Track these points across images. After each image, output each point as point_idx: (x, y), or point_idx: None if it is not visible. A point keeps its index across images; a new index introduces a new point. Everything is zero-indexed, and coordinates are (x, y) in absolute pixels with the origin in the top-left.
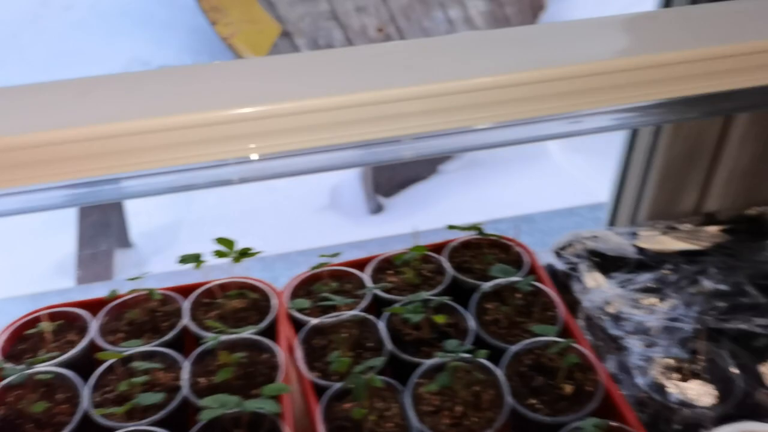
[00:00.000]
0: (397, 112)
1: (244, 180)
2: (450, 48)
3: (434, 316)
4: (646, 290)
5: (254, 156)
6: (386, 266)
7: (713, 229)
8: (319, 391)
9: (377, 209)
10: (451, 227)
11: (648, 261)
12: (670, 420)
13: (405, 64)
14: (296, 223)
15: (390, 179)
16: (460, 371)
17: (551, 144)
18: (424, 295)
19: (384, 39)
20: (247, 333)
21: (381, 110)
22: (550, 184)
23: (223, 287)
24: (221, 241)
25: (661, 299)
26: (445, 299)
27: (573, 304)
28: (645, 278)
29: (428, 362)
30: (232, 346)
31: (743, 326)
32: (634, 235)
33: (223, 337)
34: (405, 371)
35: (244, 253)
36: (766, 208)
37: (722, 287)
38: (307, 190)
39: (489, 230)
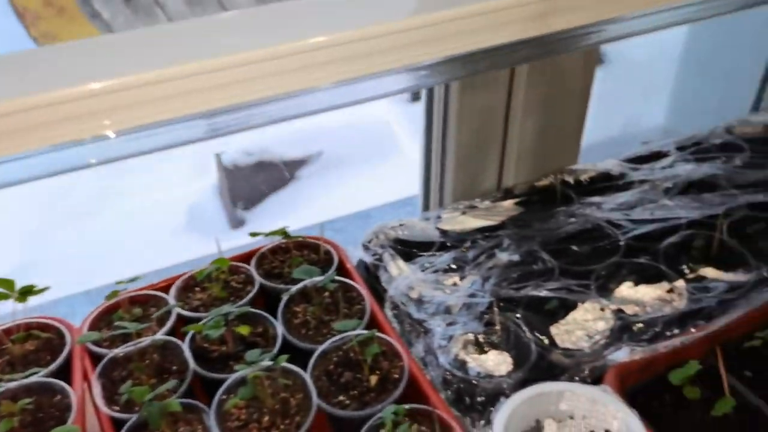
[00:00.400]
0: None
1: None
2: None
3: (237, 328)
4: (447, 270)
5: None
6: (193, 284)
7: (508, 203)
8: (119, 425)
9: (239, 223)
10: (253, 234)
11: (449, 242)
12: (473, 394)
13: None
14: (154, 248)
15: (248, 191)
16: (265, 380)
17: (403, 139)
18: (225, 308)
19: None
20: (37, 376)
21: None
22: (399, 178)
23: (7, 332)
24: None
25: (462, 277)
26: (247, 309)
27: (382, 295)
28: (445, 259)
29: (232, 377)
30: (15, 394)
31: (534, 292)
32: (438, 218)
33: (5, 386)
34: (213, 390)
35: (27, 292)
36: (555, 177)
37: (515, 257)
38: (161, 212)
39: (328, 230)
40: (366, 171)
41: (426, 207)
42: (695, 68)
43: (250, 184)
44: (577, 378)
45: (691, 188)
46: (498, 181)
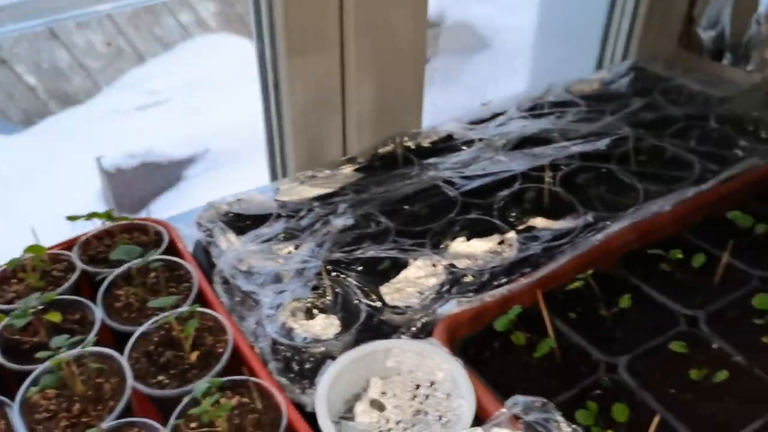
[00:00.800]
0: None
1: None
2: None
3: (46, 316)
4: (280, 240)
5: None
6: (8, 276)
7: (348, 170)
8: None
9: None
10: (71, 218)
11: (285, 212)
12: (302, 360)
13: None
14: None
15: (134, 194)
16: (75, 367)
17: None
18: (34, 296)
19: (115, 53)
20: None
21: None
22: None
23: None
24: None
25: (296, 246)
26: (62, 296)
27: (212, 270)
28: (278, 229)
29: (40, 367)
30: None
31: (367, 254)
32: (277, 190)
33: None
34: (22, 382)
35: None
36: (396, 142)
37: (350, 222)
38: (43, 224)
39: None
40: (255, 164)
41: (274, 177)
42: (550, 36)
43: (136, 186)
44: (408, 334)
45: (525, 143)
46: (343, 150)
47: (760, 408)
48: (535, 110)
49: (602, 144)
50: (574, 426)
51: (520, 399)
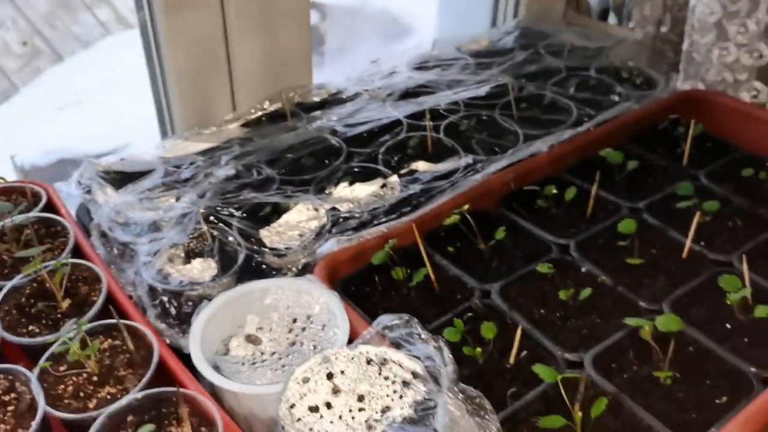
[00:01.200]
0: None
1: None
2: None
3: None
4: (161, 192)
5: None
6: None
7: (234, 126)
8: None
9: None
10: None
11: (168, 167)
12: (180, 304)
13: None
14: None
15: None
16: None
17: None
18: None
19: (32, 52)
20: None
21: None
22: None
23: None
24: None
25: (177, 198)
26: None
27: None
28: (159, 182)
29: None
30: None
31: (248, 200)
32: (162, 148)
33: None
34: None
35: None
36: (284, 98)
37: (232, 172)
38: None
39: None
40: None
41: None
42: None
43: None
44: (289, 275)
45: (410, 95)
46: (233, 107)
47: (620, 321)
48: (423, 66)
49: (483, 91)
50: (434, 336)
51: (385, 318)
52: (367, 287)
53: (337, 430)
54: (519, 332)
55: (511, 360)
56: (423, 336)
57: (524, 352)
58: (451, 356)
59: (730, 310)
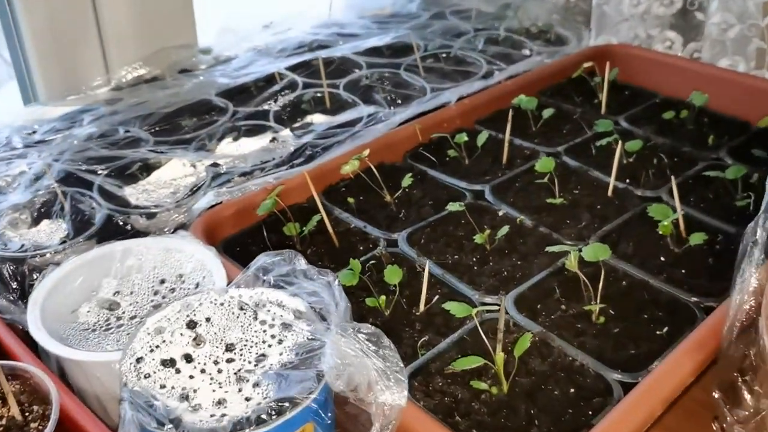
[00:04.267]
0: None
1: None
2: None
3: None
4: (10, 156)
5: None
6: None
7: (104, 90)
8: None
9: None
10: None
11: (24, 134)
12: (22, 273)
13: None
14: None
15: None
16: None
17: None
18: None
19: None
20: None
21: None
22: None
23: None
24: None
25: (30, 165)
26: None
27: None
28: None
29: None
30: None
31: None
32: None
33: None
34: None
35: None
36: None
37: (95, 131)
38: None
39: None
40: None
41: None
42: None
43: None
44: (159, 233)
45: (305, 51)
46: (106, 71)
47: (545, 260)
48: (320, 26)
49: (385, 41)
50: (322, 271)
51: (263, 257)
52: (255, 247)
53: (198, 386)
54: (426, 273)
55: (421, 307)
56: (309, 273)
57: (436, 298)
58: (342, 291)
59: (663, 242)
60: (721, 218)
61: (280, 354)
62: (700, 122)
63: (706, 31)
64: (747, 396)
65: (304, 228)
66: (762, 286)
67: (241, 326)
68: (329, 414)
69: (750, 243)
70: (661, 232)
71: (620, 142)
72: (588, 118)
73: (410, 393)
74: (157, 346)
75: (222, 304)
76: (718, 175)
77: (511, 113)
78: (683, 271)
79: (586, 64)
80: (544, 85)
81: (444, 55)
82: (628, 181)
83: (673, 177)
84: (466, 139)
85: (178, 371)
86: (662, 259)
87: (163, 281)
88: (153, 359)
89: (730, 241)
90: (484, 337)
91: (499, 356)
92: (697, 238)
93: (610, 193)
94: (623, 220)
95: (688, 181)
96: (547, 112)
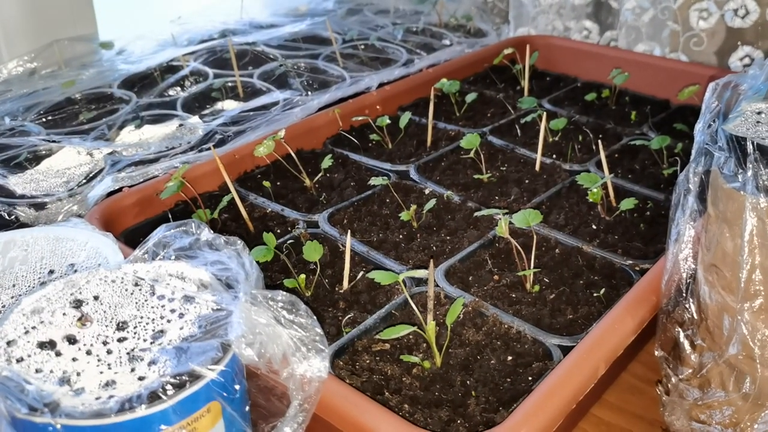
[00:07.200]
0: None
1: None
2: None
3: None
4: None
5: None
6: None
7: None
8: None
9: None
10: None
11: None
12: None
13: None
14: None
15: None
16: None
17: None
18: None
19: None
20: None
21: None
22: None
23: None
24: None
25: None
26: None
27: None
28: None
29: None
30: None
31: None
32: None
33: None
34: None
35: None
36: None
37: None
38: None
39: None
40: None
41: None
42: None
43: None
44: (48, 224)
45: (215, 39)
46: None
47: (475, 234)
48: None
49: (301, 37)
50: (229, 239)
51: (162, 229)
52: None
53: (83, 368)
54: (348, 247)
55: (345, 285)
56: (215, 243)
57: (361, 274)
58: (253, 261)
59: (593, 211)
60: (649, 187)
61: (181, 328)
62: (622, 102)
63: (621, 18)
64: (689, 350)
65: (218, 217)
66: (698, 234)
67: (136, 303)
68: (239, 388)
69: (682, 191)
70: (591, 200)
71: (545, 115)
72: (512, 102)
73: (335, 372)
74: (34, 327)
75: (113, 281)
76: (644, 143)
77: (433, 96)
78: (616, 237)
79: (507, 51)
80: (467, 73)
81: (363, 46)
82: (555, 156)
83: (601, 149)
84: (388, 122)
85: (58, 354)
86: (594, 227)
87: (52, 272)
88: (28, 341)
89: (660, 207)
90: (414, 307)
91: (431, 325)
92: (627, 203)
93: (537, 168)
94: (553, 192)
95: (614, 154)
96: (470, 97)
